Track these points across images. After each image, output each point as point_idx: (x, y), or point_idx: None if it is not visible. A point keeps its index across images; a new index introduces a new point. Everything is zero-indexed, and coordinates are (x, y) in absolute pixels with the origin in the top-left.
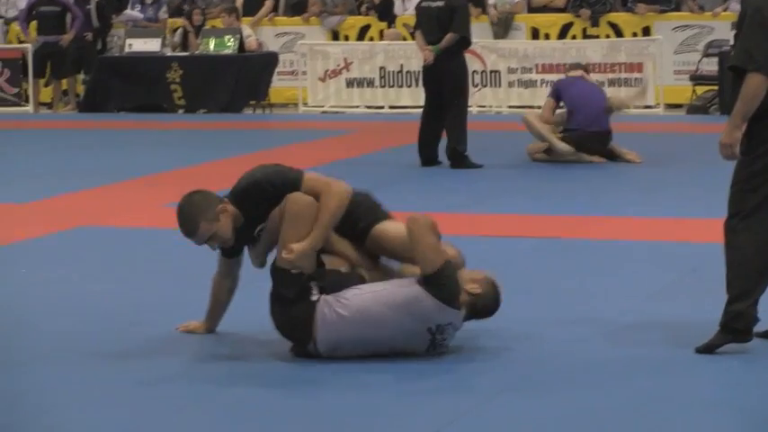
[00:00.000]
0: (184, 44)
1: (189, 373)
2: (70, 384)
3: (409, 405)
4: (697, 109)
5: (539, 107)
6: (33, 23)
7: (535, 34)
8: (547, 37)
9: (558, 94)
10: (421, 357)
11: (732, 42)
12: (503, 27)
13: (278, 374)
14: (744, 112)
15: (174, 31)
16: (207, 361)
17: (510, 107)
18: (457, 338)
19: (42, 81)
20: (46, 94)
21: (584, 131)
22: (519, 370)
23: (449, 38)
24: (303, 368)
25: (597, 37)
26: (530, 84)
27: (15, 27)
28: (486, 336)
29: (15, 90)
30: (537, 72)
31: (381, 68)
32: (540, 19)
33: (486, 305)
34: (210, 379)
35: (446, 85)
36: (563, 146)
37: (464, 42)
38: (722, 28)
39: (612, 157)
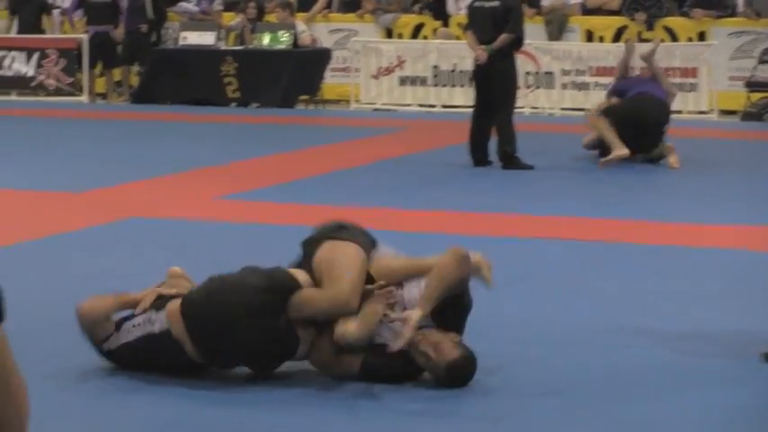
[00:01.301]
0: (241, 38)
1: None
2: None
3: (451, 407)
4: (751, 116)
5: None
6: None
7: (590, 37)
8: (601, 39)
9: (615, 91)
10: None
11: None
12: (557, 28)
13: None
14: None
15: (230, 24)
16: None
17: (563, 109)
18: (499, 344)
19: (96, 71)
20: (101, 84)
21: (642, 96)
22: (562, 376)
23: (503, 38)
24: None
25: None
26: (583, 86)
27: None
28: (531, 340)
29: (70, 80)
30: (591, 75)
31: (435, 67)
32: (595, 21)
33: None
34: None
35: (496, 85)
36: (621, 151)
37: (517, 43)
38: None
39: (652, 155)
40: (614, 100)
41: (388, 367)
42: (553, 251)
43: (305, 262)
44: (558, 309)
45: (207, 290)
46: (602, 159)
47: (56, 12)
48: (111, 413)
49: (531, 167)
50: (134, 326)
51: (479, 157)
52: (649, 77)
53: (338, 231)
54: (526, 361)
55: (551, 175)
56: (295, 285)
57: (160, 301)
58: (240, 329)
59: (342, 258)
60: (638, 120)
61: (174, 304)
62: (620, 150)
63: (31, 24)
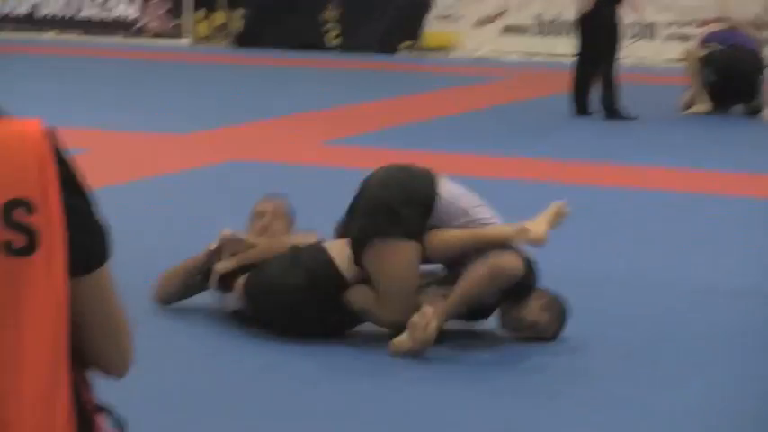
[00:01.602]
0: None
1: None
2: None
3: (531, 361)
4: None
5: None
6: None
7: None
8: None
9: (709, 39)
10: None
11: None
12: None
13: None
14: None
15: None
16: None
17: (665, 60)
18: (587, 298)
19: (200, 15)
20: (204, 28)
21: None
22: (649, 331)
23: None
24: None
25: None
26: (686, 38)
27: None
28: (618, 293)
29: (173, 23)
30: (694, 26)
31: (538, 15)
32: None
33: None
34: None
35: (600, 35)
36: (703, 107)
37: None
38: None
39: (751, 106)
40: (712, 45)
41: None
42: (652, 202)
43: (354, 254)
44: (652, 262)
45: (256, 289)
46: (686, 111)
47: None
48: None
49: (633, 118)
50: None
51: (581, 106)
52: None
53: (388, 223)
54: (612, 314)
55: (652, 126)
56: (341, 283)
57: (224, 282)
58: (295, 323)
59: (391, 271)
60: (734, 70)
61: (240, 284)
62: (703, 106)
63: None
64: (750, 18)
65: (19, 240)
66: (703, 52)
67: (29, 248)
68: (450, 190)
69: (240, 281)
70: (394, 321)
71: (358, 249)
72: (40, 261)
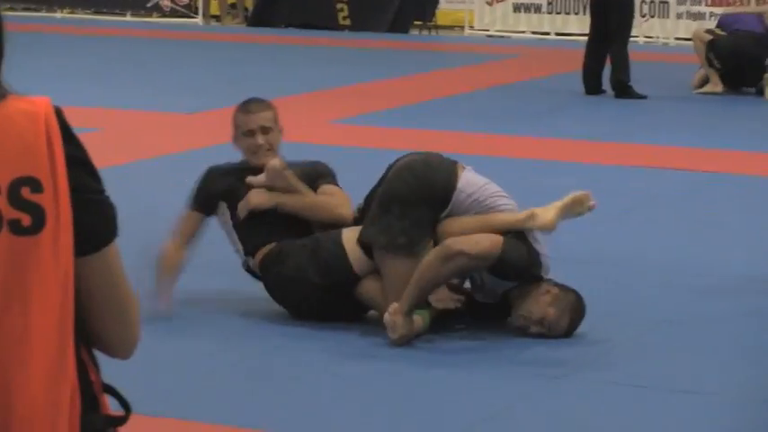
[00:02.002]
0: None
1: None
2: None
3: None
4: None
5: None
6: None
7: None
8: None
9: (720, 24)
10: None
11: None
12: None
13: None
14: None
15: None
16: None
17: (677, 39)
18: (601, 279)
19: None
20: (215, 6)
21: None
22: (667, 312)
23: None
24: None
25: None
26: (698, 16)
27: None
28: (634, 273)
29: (186, 1)
30: (706, 5)
31: None
32: None
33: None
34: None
35: (613, 13)
36: (716, 87)
37: None
38: None
39: (759, 86)
40: (718, 32)
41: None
42: (664, 181)
43: (363, 249)
44: (667, 241)
45: (272, 276)
46: (697, 90)
47: None
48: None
49: (644, 97)
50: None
51: (593, 85)
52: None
53: (393, 232)
54: (630, 295)
55: (664, 105)
56: (353, 278)
57: (251, 246)
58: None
59: (388, 281)
60: (738, 57)
61: (259, 257)
62: (716, 86)
63: None
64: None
65: (26, 219)
66: (708, 37)
67: (36, 227)
68: (470, 181)
69: (260, 255)
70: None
71: (366, 248)
72: (47, 240)
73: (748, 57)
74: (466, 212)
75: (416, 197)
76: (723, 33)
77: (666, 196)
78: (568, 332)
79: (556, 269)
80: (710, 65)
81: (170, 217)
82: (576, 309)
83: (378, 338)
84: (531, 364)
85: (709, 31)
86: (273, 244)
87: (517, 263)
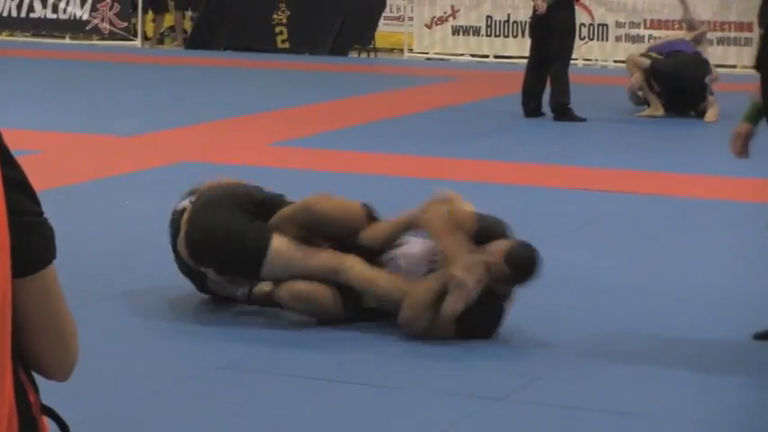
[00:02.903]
0: None
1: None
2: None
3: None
4: None
5: None
6: None
7: None
8: None
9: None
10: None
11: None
12: None
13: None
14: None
15: None
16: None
17: (616, 62)
18: (541, 296)
19: (150, 16)
20: (153, 29)
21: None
22: (601, 330)
23: None
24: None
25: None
26: (637, 39)
27: None
28: (573, 293)
29: (124, 24)
30: (645, 27)
31: (488, 17)
32: None
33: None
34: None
35: (554, 36)
36: (657, 111)
37: None
38: None
39: (698, 109)
40: (654, 55)
41: (480, 319)
42: (604, 203)
43: None
44: (605, 261)
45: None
46: (638, 114)
47: None
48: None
49: (583, 120)
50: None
51: (532, 107)
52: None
53: None
54: (570, 314)
55: (603, 127)
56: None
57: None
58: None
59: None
60: (681, 80)
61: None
62: (656, 110)
63: None
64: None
65: None
66: (647, 61)
67: None
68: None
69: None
70: None
71: None
72: None
73: (690, 78)
74: None
75: None
76: (660, 57)
77: (606, 218)
78: (509, 291)
79: None
80: (651, 89)
81: (111, 238)
82: (523, 266)
83: (314, 354)
84: (473, 384)
85: (644, 55)
86: None
87: (490, 228)
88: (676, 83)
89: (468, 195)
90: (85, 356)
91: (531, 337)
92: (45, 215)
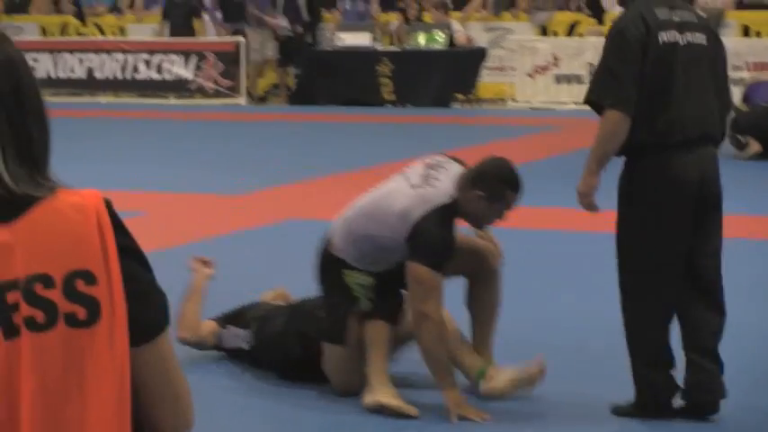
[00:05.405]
0: (397, 38)
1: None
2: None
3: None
4: None
5: None
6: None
7: (746, 32)
8: (758, 35)
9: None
10: None
11: None
12: (713, 25)
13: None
14: (600, 156)
15: (386, 24)
16: None
17: None
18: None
19: (253, 74)
20: (258, 86)
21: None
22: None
23: None
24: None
25: None
26: (739, 81)
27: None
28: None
29: (229, 82)
30: (747, 70)
31: (590, 65)
32: (752, 16)
33: None
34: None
35: None
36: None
37: None
38: None
39: None
40: (738, 107)
41: None
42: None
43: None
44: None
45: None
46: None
47: (207, 16)
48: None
49: None
50: (232, 335)
51: None
52: None
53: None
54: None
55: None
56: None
57: (245, 321)
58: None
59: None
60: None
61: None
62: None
63: (181, 28)
64: None
65: (81, 312)
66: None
67: (91, 320)
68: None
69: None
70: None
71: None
72: (103, 332)
73: None
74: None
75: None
76: (743, 109)
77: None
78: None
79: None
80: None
81: (222, 297)
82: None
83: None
84: None
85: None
86: None
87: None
88: (759, 133)
89: (579, 244)
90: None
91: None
92: (157, 282)
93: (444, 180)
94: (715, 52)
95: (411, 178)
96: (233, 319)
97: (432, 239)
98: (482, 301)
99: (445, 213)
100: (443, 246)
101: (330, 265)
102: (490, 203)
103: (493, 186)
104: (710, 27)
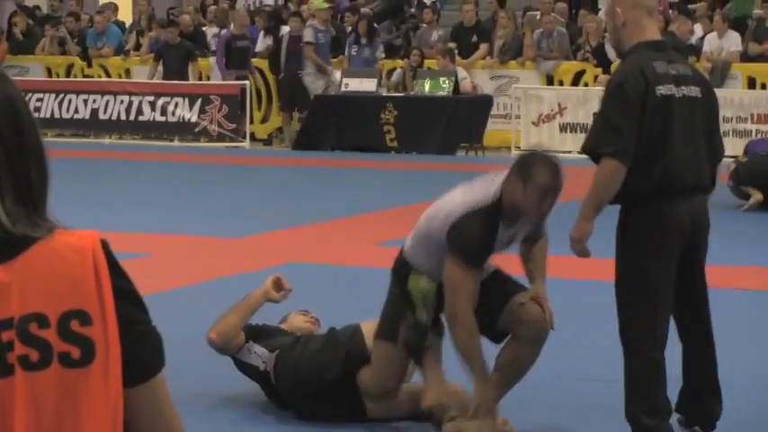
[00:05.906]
0: (402, 84)
1: None
2: None
3: None
4: None
5: None
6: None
7: (752, 83)
8: (763, 87)
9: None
10: None
11: None
12: (718, 76)
13: None
14: (596, 203)
15: (391, 71)
16: None
17: (725, 156)
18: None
19: (258, 117)
20: (263, 130)
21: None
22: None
23: None
24: None
25: None
26: (744, 134)
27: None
28: None
29: (233, 125)
30: (752, 122)
31: (595, 114)
32: (757, 68)
33: None
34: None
35: None
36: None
37: None
38: None
39: None
40: (739, 158)
41: None
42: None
43: None
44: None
45: (291, 370)
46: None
47: (212, 59)
48: None
49: None
50: (252, 352)
51: None
52: None
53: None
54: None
55: (722, 222)
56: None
57: (272, 342)
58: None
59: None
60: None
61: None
62: (756, 195)
63: (176, 71)
64: None
65: (75, 352)
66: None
67: (85, 359)
68: None
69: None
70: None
71: None
72: (97, 372)
73: None
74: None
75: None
76: (743, 159)
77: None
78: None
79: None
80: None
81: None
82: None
83: None
84: None
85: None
86: None
87: None
88: (759, 182)
89: (585, 294)
90: None
91: None
92: (153, 323)
93: (494, 185)
94: (708, 104)
95: (471, 184)
96: (256, 334)
97: (465, 237)
98: (516, 356)
99: (485, 213)
100: (477, 244)
101: (400, 269)
102: (524, 185)
103: (522, 165)
104: (705, 80)
